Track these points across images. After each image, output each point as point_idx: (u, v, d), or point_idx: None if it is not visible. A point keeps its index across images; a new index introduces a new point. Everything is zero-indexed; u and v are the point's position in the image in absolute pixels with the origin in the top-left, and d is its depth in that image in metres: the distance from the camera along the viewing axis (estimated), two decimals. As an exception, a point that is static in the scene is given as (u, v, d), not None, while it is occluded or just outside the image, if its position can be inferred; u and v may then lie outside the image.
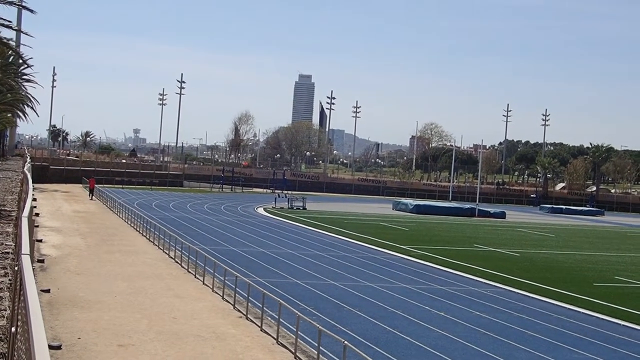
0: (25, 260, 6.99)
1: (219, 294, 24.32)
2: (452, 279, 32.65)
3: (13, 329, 6.33)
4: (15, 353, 5.85)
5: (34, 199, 38.73)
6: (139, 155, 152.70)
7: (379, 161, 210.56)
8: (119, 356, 16.43)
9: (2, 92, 47.68)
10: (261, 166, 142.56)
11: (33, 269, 7.62)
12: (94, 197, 64.41)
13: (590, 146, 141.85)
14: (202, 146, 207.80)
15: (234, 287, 23.39)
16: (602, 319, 25.81)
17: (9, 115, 64.75)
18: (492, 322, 23.78)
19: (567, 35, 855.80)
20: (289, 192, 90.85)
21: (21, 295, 6.39)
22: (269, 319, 20.62)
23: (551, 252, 47.26)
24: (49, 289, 22.63)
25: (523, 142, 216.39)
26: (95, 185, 70.10)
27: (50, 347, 15.85)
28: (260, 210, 67.53)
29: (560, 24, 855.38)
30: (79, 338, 17.48)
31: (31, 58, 63.79)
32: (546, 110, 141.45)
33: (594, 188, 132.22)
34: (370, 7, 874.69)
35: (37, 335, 4.54)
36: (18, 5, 34.92)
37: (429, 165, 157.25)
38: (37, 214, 41.96)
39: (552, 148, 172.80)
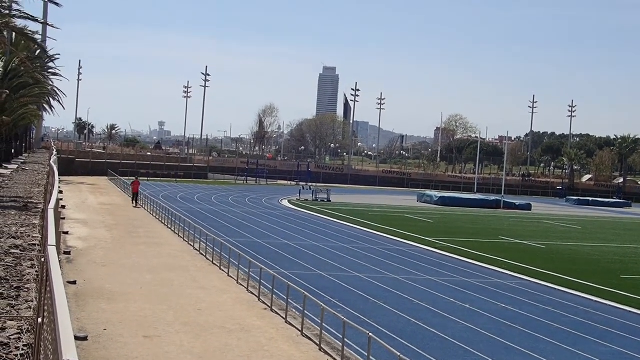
0: (52, 252, 7.03)
1: (243, 286, 24.39)
2: (477, 271, 32.51)
3: (40, 320, 6.37)
4: (42, 344, 5.89)
5: (60, 192, 39.02)
6: (164, 148, 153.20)
7: (404, 153, 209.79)
8: (145, 347, 16.52)
9: (28, 85, 48.02)
10: (285, 158, 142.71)
11: (59, 260, 7.67)
12: (138, 204, 51.90)
13: (616, 137, 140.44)
14: (227, 138, 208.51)
15: (258, 279, 23.44)
16: (630, 311, 25.61)
17: (35, 108, 65.21)
18: (518, 314, 23.66)
19: (594, 25, 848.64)
20: (314, 184, 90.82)
21: (47, 286, 6.43)
22: (294, 310, 20.65)
23: (577, 244, 46.92)
24: (76, 281, 22.82)
25: (549, 133, 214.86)
26: (120, 178, 70.01)
27: (77, 338, 15.98)
28: (285, 203, 67.59)
29: (587, 13, 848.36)
30: (105, 329, 17.60)
31: (52, 49, 64.25)
32: (572, 101, 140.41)
33: (621, 180, 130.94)
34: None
35: (64, 326, 4.56)
36: (44, -2, 35.15)
37: (454, 157, 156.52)
38: (63, 207, 42.27)
39: (578, 139, 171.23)
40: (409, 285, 27.62)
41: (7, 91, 39.71)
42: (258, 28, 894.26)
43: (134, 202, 52.30)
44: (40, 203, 19.92)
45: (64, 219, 37.63)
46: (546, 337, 20.60)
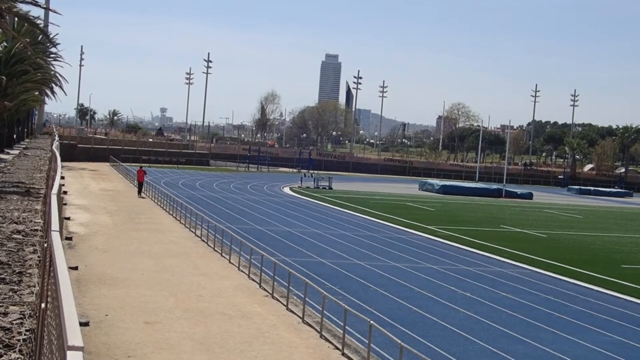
0: (55, 237, 7.02)
1: (245, 273, 24.41)
2: (478, 260, 32.53)
3: (43, 305, 6.38)
4: (46, 329, 5.89)
5: (62, 177, 39.01)
6: (165, 134, 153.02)
7: (406, 141, 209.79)
8: (146, 333, 16.55)
9: (30, 70, 47.95)
10: (287, 145, 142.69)
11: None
12: (143, 194, 48.88)
13: (619, 127, 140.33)
14: (229, 125, 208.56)
15: (259, 265, 23.47)
16: (630, 301, 25.63)
17: (37, 93, 65.13)
18: (519, 303, 23.69)
19: (597, 15, 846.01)
20: (315, 171, 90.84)
21: (51, 271, 6.43)
22: (295, 298, 20.67)
23: (579, 233, 46.93)
24: (77, 266, 22.82)
25: (551, 122, 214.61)
26: (122, 164, 69.96)
27: (79, 323, 16.00)
28: (286, 190, 67.60)
29: (590, 2, 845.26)
30: (107, 315, 17.63)
31: (57, 35, 64.07)
32: (575, 90, 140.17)
33: (623, 169, 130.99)
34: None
35: (68, 312, 4.56)
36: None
37: (456, 146, 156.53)
38: (65, 192, 42.26)
39: (580, 129, 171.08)
40: (410, 273, 27.65)
41: (4, 77, 39.67)
42: (261, 15, 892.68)
43: (139, 192, 48.96)
44: (43, 188, 19.94)
45: (65, 204, 37.62)
46: (547, 326, 20.62)
